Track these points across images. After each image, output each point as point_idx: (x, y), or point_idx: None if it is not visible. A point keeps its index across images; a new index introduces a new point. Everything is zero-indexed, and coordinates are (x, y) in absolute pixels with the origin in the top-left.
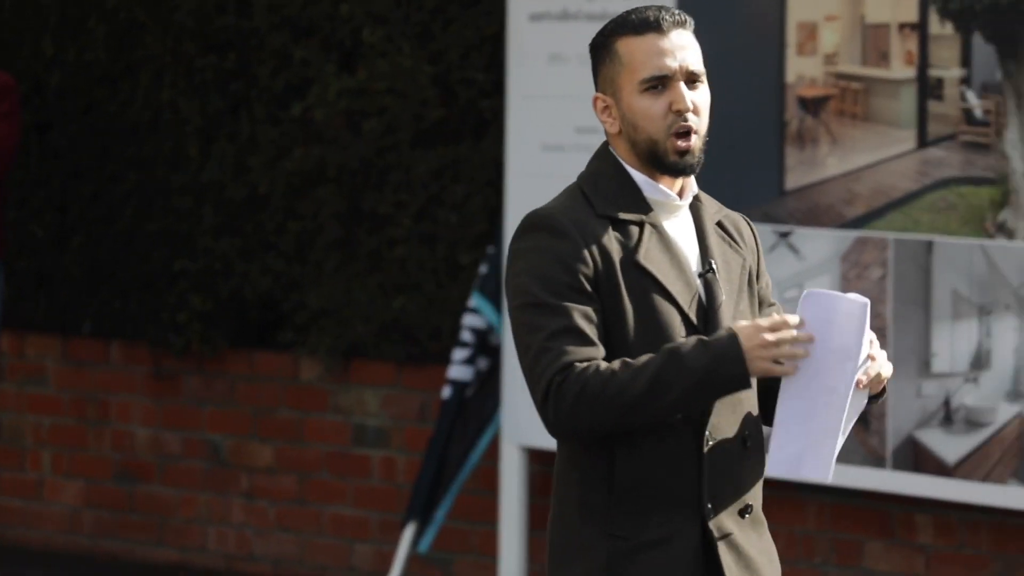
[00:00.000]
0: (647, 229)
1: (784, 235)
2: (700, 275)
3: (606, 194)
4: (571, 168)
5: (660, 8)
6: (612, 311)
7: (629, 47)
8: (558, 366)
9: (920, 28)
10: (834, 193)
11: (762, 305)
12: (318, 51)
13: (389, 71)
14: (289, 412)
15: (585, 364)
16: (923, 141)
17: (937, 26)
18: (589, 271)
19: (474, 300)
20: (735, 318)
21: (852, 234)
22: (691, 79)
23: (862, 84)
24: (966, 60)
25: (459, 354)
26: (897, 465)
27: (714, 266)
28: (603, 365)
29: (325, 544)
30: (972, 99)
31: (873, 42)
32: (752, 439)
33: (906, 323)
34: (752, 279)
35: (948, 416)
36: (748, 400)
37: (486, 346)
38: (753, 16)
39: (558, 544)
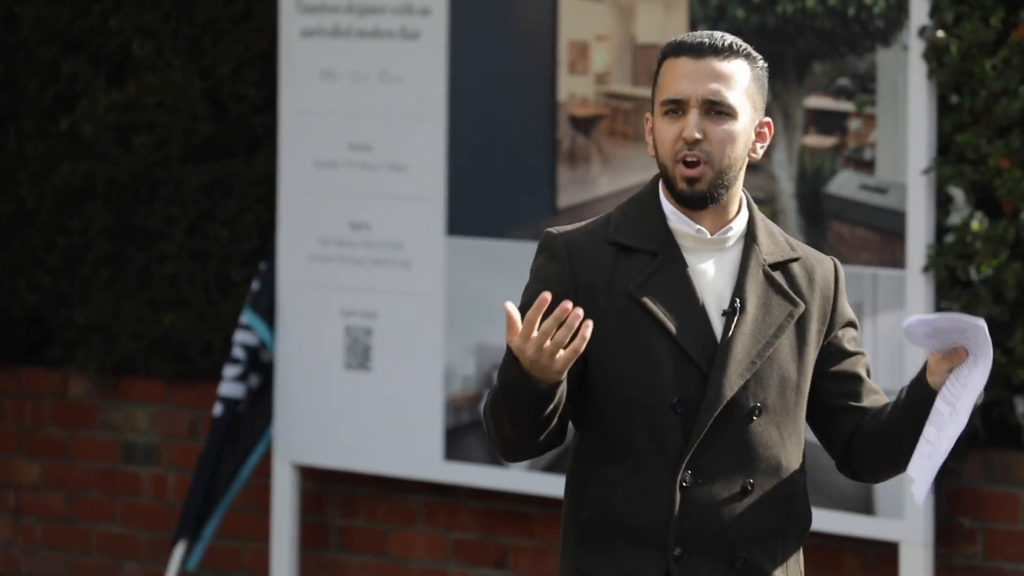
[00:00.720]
0: (658, 260)
1: None
2: (724, 314)
3: (629, 220)
4: (344, 184)
5: (713, 33)
6: (592, 336)
7: (666, 68)
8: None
9: None
10: (606, 212)
11: (838, 356)
12: (87, 65)
13: (159, 85)
14: (57, 429)
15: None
16: None
17: None
18: (570, 296)
19: (246, 317)
20: (757, 362)
21: None
22: (713, 109)
23: (633, 104)
24: None
25: (230, 371)
26: None
27: (738, 305)
28: None
29: (94, 563)
30: None
31: (643, 62)
32: (762, 488)
33: None
34: (807, 327)
35: None
36: (764, 446)
37: (258, 363)
38: (525, 34)
39: None
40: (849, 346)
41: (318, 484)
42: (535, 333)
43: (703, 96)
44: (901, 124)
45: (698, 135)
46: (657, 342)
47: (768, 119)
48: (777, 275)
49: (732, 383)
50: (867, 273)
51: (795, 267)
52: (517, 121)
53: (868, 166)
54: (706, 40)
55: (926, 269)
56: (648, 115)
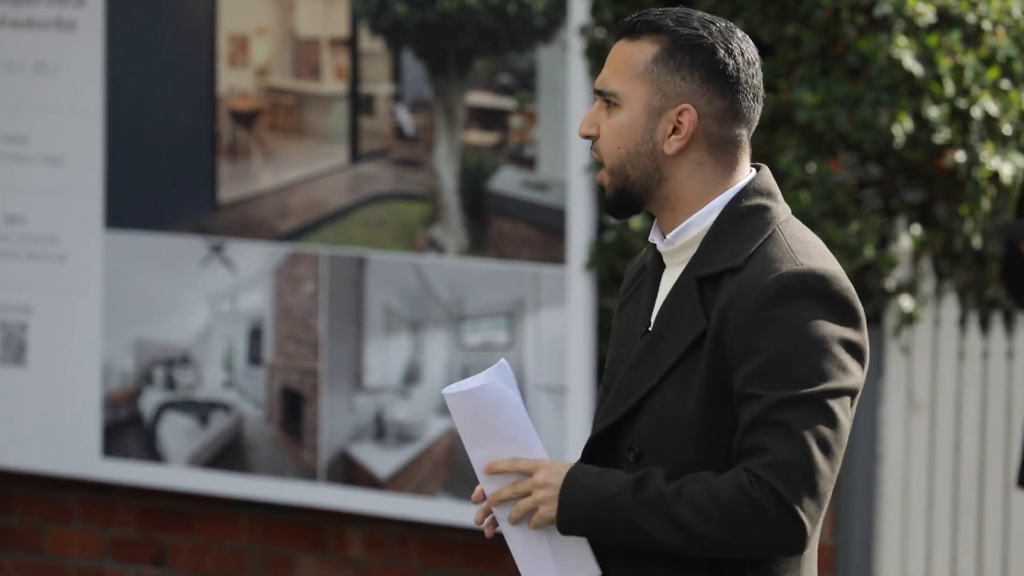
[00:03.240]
0: (642, 276)
1: (217, 248)
2: (642, 334)
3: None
4: None
5: (647, 11)
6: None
7: None
8: None
9: (351, 43)
10: (267, 207)
11: (735, 398)
12: None
13: None
14: None
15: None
16: (355, 156)
17: (368, 42)
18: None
19: None
20: (633, 396)
21: (285, 248)
22: (604, 99)
23: (294, 98)
24: (397, 76)
25: None
26: (330, 479)
27: (648, 329)
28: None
29: None
30: (403, 115)
31: (304, 56)
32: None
33: (339, 337)
34: (703, 353)
35: (380, 430)
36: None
37: None
38: (184, 26)
39: None
40: (740, 385)
41: (23, 486)
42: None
43: (599, 85)
44: (562, 122)
45: (584, 129)
46: (612, 372)
47: (686, 105)
48: (702, 289)
49: (602, 421)
50: (528, 270)
51: (727, 279)
52: (176, 114)
53: (530, 163)
54: (630, 19)
55: (587, 267)
56: None
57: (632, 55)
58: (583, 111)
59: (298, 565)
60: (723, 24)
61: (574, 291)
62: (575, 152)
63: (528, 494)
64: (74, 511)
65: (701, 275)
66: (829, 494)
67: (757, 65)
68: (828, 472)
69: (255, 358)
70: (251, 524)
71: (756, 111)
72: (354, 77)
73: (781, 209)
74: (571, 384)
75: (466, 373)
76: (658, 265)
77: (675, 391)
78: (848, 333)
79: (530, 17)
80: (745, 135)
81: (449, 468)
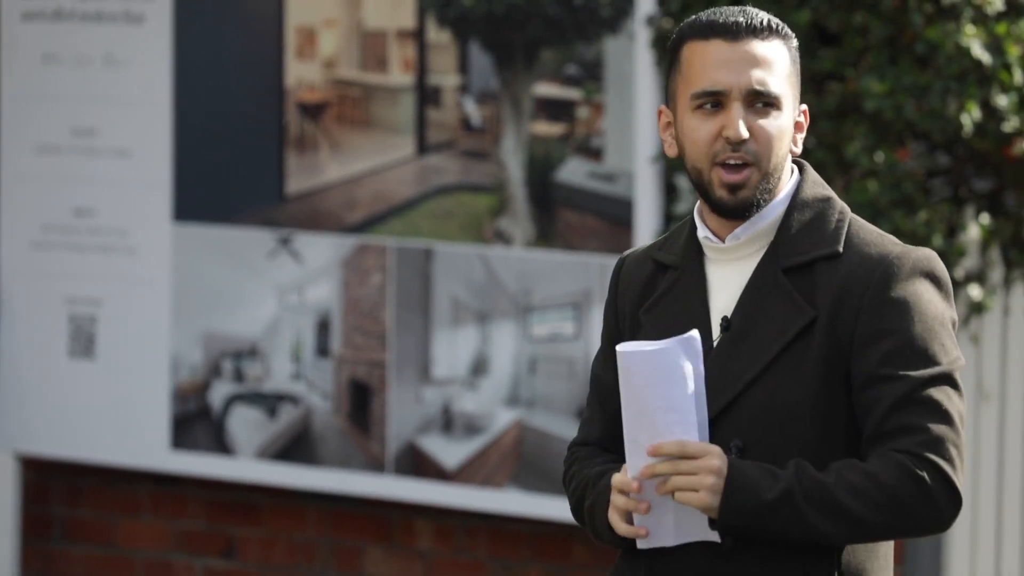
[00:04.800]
0: (675, 275)
1: (285, 241)
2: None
3: (672, 233)
4: (67, 171)
5: (744, 10)
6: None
7: (692, 53)
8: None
9: (418, 35)
10: (335, 199)
11: (861, 379)
12: None
13: None
14: None
15: (573, 450)
16: (422, 148)
17: (435, 33)
18: (612, 324)
19: None
20: (728, 392)
21: (353, 240)
22: (758, 101)
23: (361, 90)
24: (463, 68)
25: None
26: (398, 471)
27: (724, 324)
28: (578, 454)
29: None
30: (469, 107)
31: (371, 48)
32: (747, 547)
33: (407, 329)
34: (816, 340)
35: (448, 422)
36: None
37: None
38: (252, 19)
39: None
40: (872, 367)
41: (41, 474)
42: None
43: (746, 86)
44: (629, 112)
45: (745, 134)
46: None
47: (804, 106)
48: (792, 280)
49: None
50: (595, 261)
51: (824, 266)
52: (244, 106)
53: (596, 154)
54: (741, 19)
55: None
56: (663, 109)
57: (774, 57)
58: (650, 101)
59: (366, 557)
60: None
61: None
62: (642, 143)
63: (691, 473)
64: (143, 504)
65: (788, 265)
66: (963, 464)
67: None
68: (962, 445)
69: (323, 350)
70: (319, 516)
71: None
72: (421, 69)
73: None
74: None
75: (533, 365)
76: (697, 262)
77: (782, 382)
78: (952, 312)
79: (597, 7)
80: None
81: (517, 459)
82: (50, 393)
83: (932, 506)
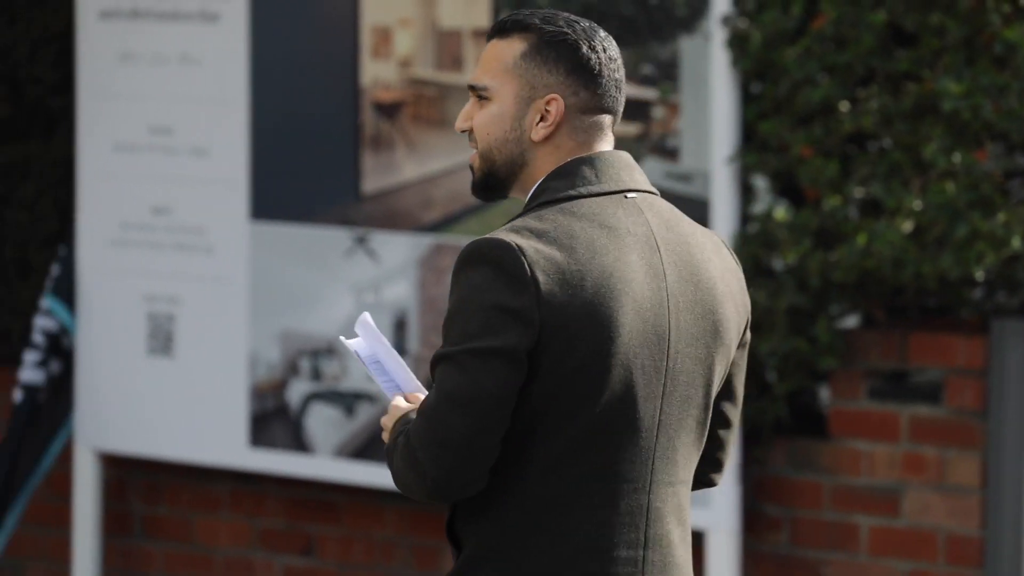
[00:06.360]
0: None
1: (361, 240)
2: None
3: None
4: (145, 168)
5: (510, 13)
6: None
7: None
8: None
9: None
10: (411, 198)
11: None
12: None
13: None
14: None
15: None
16: None
17: None
18: None
19: (47, 301)
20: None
21: (429, 239)
22: (475, 94)
23: (437, 89)
24: None
25: (31, 356)
26: None
27: None
28: None
29: None
30: None
31: (447, 47)
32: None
33: None
34: None
35: None
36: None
37: (59, 348)
38: (327, 18)
39: None
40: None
41: (121, 471)
42: None
43: (469, 83)
44: (704, 112)
45: (461, 124)
46: None
47: (554, 95)
48: None
49: None
50: None
51: None
52: (320, 105)
53: (672, 154)
54: (498, 20)
55: None
56: None
57: (502, 52)
58: (726, 102)
59: (445, 557)
60: (587, 23)
61: None
62: (718, 143)
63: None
64: (222, 501)
65: None
66: (459, 442)
67: (619, 61)
68: (460, 423)
69: (400, 349)
70: (398, 515)
71: (620, 101)
72: None
73: (565, 189)
74: None
75: None
76: None
77: None
78: (499, 297)
79: (672, 7)
80: (607, 122)
81: None
82: (129, 391)
83: (415, 472)
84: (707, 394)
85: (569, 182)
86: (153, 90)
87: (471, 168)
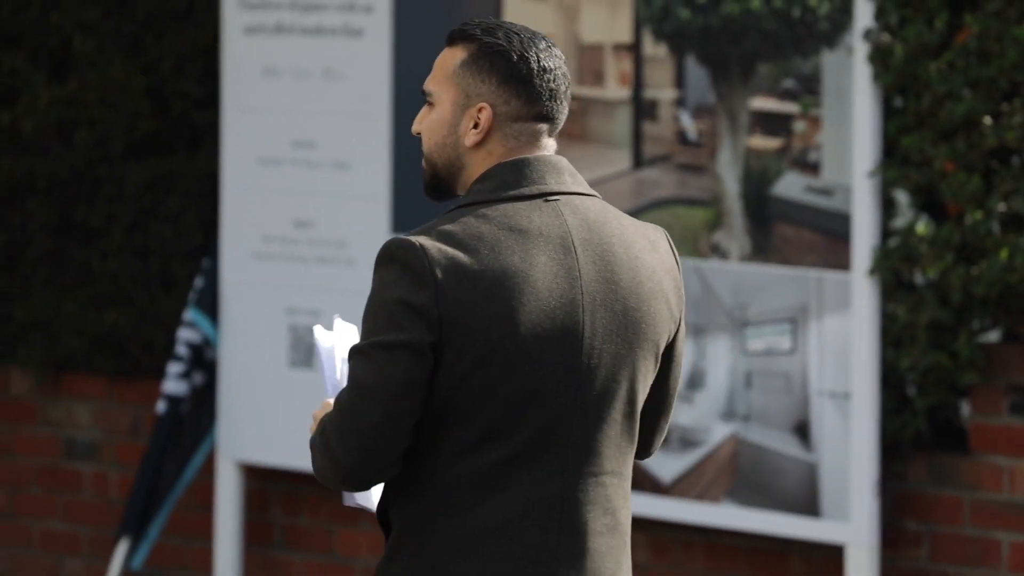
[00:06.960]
0: None
1: None
2: None
3: None
4: (288, 182)
5: (460, 24)
6: None
7: None
8: None
9: (634, 49)
10: None
11: None
12: (27, 60)
13: (100, 81)
14: None
15: None
16: (638, 161)
17: (651, 47)
18: None
19: (190, 314)
20: None
21: None
22: (426, 100)
23: (578, 104)
24: (680, 82)
25: (174, 368)
26: None
27: None
28: None
29: (35, 559)
30: (686, 120)
31: (588, 62)
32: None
33: None
34: None
35: (664, 435)
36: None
37: (202, 360)
38: None
39: None
40: None
41: (262, 482)
42: None
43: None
44: (846, 126)
45: (416, 127)
46: None
47: (483, 104)
48: None
49: None
50: (812, 275)
51: None
52: None
53: (813, 168)
54: (451, 30)
55: (871, 272)
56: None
57: (446, 60)
58: (867, 116)
59: None
60: (528, 35)
61: (858, 297)
62: (859, 157)
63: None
64: (362, 512)
65: None
66: (369, 430)
67: (559, 71)
68: (370, 412)
69: None
70: None
71: (558, 110)
72: (637, 83)
73: (487, 192)
74: (855, 390)
75: (749, 379)
76: None
77: None
78: (408, 294)
79: (814, 21)
80: (544, 130)
81: (732, 473)
82: (271, 402)
83: (330, 460)
84: (632, 388)
85: (491, 185)
86: (296, 105)
87: (422, 173)
